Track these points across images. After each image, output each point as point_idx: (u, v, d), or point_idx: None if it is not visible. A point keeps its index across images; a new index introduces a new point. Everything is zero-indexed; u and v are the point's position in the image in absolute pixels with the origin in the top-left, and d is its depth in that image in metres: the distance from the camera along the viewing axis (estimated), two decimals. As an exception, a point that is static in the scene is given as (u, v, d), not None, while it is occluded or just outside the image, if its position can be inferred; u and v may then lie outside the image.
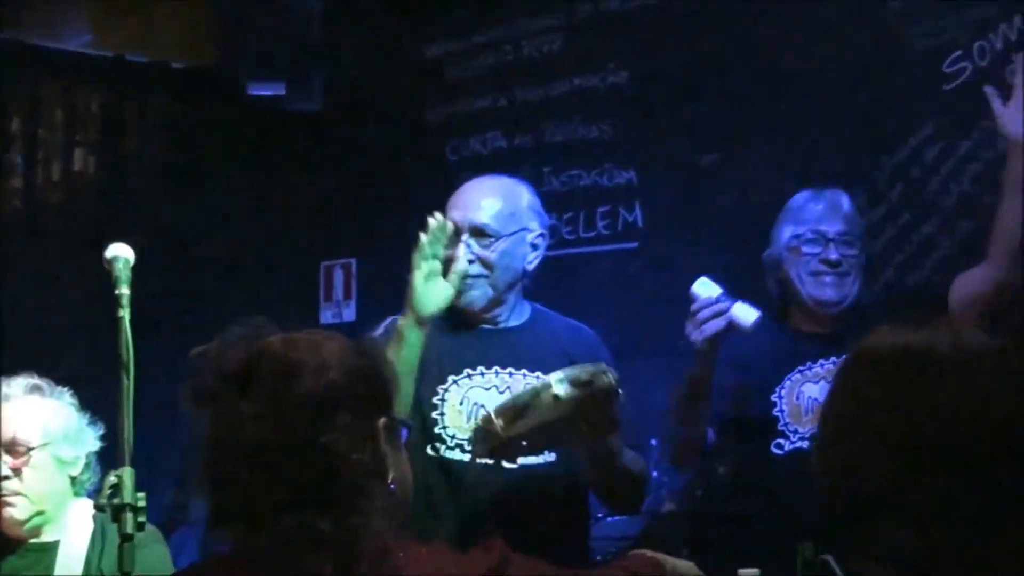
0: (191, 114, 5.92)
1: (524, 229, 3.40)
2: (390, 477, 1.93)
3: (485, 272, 3.35)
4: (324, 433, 1.84)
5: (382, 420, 1.94)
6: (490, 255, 3.34)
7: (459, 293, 3.33)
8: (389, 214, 5.73)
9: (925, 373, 1.55)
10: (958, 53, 4.24)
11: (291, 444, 1.83)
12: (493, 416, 2.96)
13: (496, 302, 3.39)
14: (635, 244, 5.03)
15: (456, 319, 3.40)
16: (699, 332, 3.35)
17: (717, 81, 4.82)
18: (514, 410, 2.96)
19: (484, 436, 2.98)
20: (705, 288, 3.37)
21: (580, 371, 2.99)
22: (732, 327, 3.36)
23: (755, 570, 2.71)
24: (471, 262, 3.33)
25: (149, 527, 3.12)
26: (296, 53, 5.55)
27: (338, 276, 5.87)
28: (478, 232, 3.35)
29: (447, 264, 3.30)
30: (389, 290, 5.42)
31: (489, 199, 3.39)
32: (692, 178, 4.87)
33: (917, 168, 4.33)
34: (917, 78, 4.35)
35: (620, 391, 2.99)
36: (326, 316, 5.84)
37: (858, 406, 1.58)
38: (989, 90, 3.37)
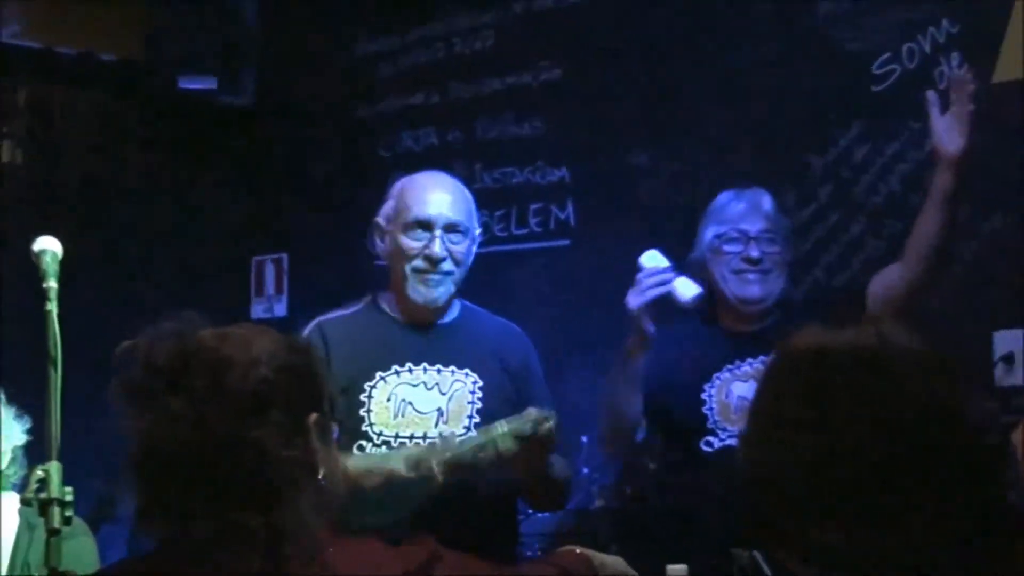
0: (121, 107, 5.86)
1: (475, 228, 3.43)
2: (321, 473, 1.92)
3: (454, 269, 3.35)
4: (254, 429, 1.82)
5: (313, 416, 1.93)
6: (461, 251, 3.35)
7: (424, 288, 3.33)
8: (321, 209, 5.71)
9: (850, 372, 1.56)
10: (887, 55, 4.29)
11: (220, 440, 1.81)
12: (435, 466, 3.01)
13: (451, 299, 3.40)
14: (567, 242, 5.04)
15: (391, 318, 3.40)
16: (640, 297, 3.43)
17: (649, 80, 4.84)
18: (456, 464, 3.03)
19: (422, 480, 3.03)
20: (652, 260, 3.48)
21: (523, 423, 3.05)
22: (672, 299, 3.47)
23: (683, 566, 2.73)
24: (444, 259, 3.33)
25: (76, 519, 3.09)
26: (228, 47, 5.53)
27: (269, 271, 5.85)
28: (452, 228, 3.35)
29: (410, 256, 3.31)
30: (321, 285, 5.43)
31: (457, 196, 3.40)
32: (624, 176, 4.89)
33: (846, 168, 4.37)
34: (847, 79, 4.39)
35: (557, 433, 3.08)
36: (257, 311, 5.82)
37: (784, 404, 1.59)
38: (931, 96, 3.41)
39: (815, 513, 1.53)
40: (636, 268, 3.50)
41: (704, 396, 3.62)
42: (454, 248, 3.34)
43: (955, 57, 4.13)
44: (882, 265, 4.08)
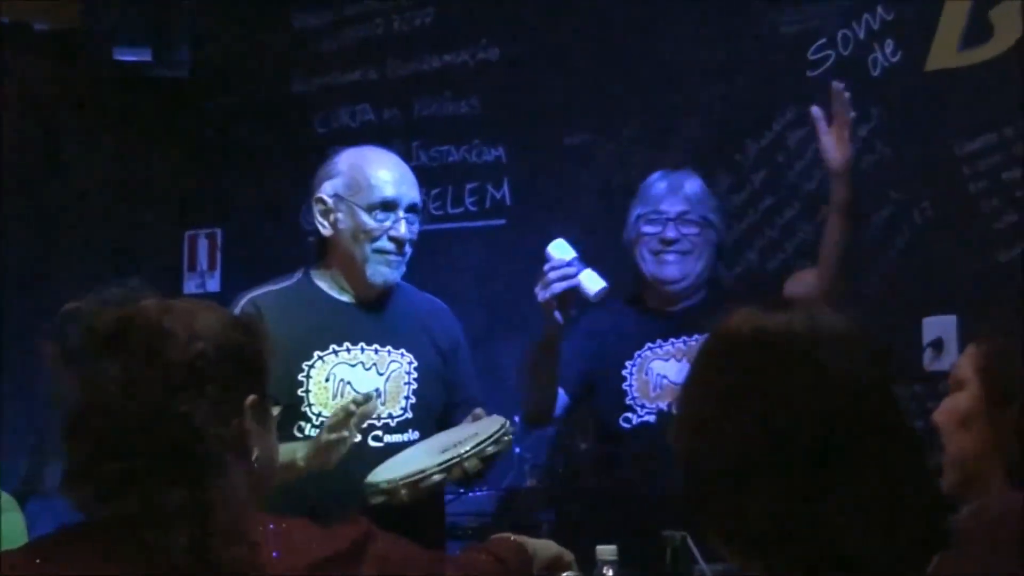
0: (54, 77, 5.79)
1: None
2: (254, 454, 1.91)
3: (409, 250, 3.36)
4: (184, 403, 1.81)
5: (251, 398, 1.91)
6: (415, 232, 3.36)
7: (386, 268, 3.32)
8: (256, 185, 5.68)
9: (781, 354, 1.57)
10: (823, 41, 4.31)
11: (149, 411, 1.80)
12: (400, 486, 3.00)
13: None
14: (503, 221, 5.04)
15: (323, 294, 3.39)
16: (545, 291, 3.43)
17: (587, 61, 4.84)
18: (422, 483, 3.03)
19: (388, 500, 3.03)
20: (559, 250, 3.45)
21: (486, 443, 3.06)
22: (577, 293, 3.45)
23: (612, 547, 2.75)
24: (408, 240, 3.33)
25: (4, 495, 3.07)
26: (163, 19, 5.47)
27: (202, 246, 5.80)
28: (412, 209, 3.35)
29: (373, 237, 3.29)
30: (254, 261, 5.39)
31: (411, 175, 3.40)
32: (560, 157, 4.89)
33: (781, 153, 4.40)
34: (782, 64, 4.41)
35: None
36: (190, 286, 5.78)
37: (714, 385, 1.60)
38: (815, 112, 3.51)
39: (741, 495, 1.54)
40: (546, 254, 3.47)
41: (624, 373, 3.68)
42: (413, 229, 3.35)
43: (889, 44, 4.17)
44: (814, 249, 4.12)
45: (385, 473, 3.08)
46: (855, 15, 4.24)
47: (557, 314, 3.45)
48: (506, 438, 3.09)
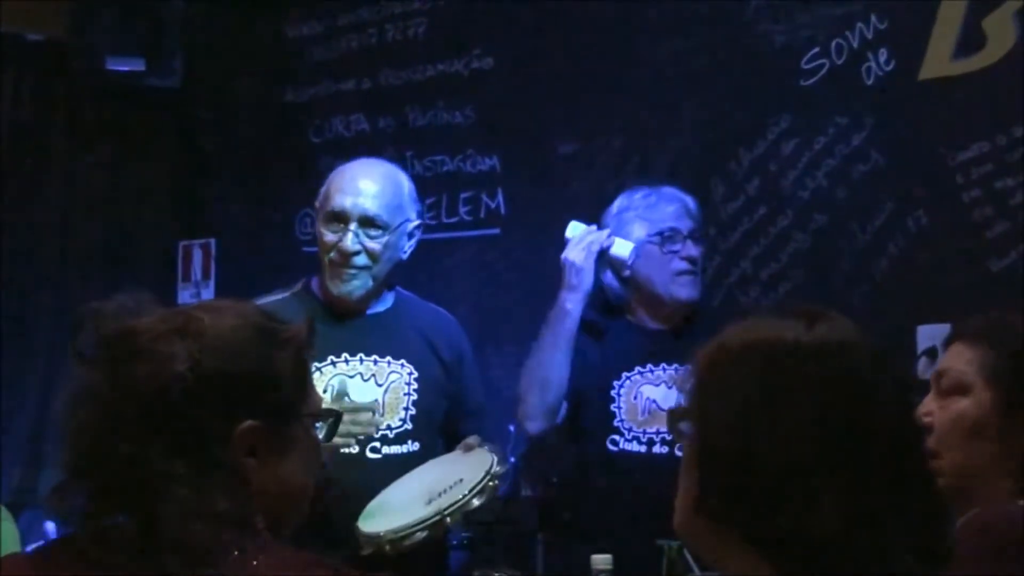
0: (46, 87, 5.79)
1: (407, 220, 3.39)
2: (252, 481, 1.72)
3: (369, 263, 3.32)
4: (134, 435, 1.67)
5: (244, 424, 1.73)
6: (377, 247, 3.32)
7: (339, 281, 3.31)
8: (250, 195, 5.68)
9: (790, 360, 1.56)
10: (816, 50, 4.32)
11: (104, 433, 1.69)
12: (384, 540, 3.01)
13: (373, 293, 3.38)
14: (497, 231, 5.04)
15: (322, 305, 3.38)
16: (582, 252, 3.46)
17: (580, 70, 4.84)
18: (406, 539, 3.04)
19: (372, 551, 3.03)
20: (577, 229, 3.52)
21: (471, 495, 3.05)
22: (609, 257, 3.50)
23: (607, 556, 2.75)
24: (357, 253, 3.31)
25: (-2, 508, 3.06)
26: (155, 28, 5.47)
27: (197, 256, 5.80)
28: (368, 222, 3.32)
29: (328, 248, 3.29)
30: (248, 271, 5.39)
31: (380, 188, 3.36)
32: (554, 166, 4.89)
33: (774, 162, 4.40)
34: (776, 73, 4.41)
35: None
36: (184, 296, 5.77)
37: (732, 395, 1.59)
38: None
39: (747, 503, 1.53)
40: (566, 239, 3.53)
41: (613, 393, 3.63)
42: (369, 243, 3.31)
43: (883, 53, 4.17)
44: (807, 258, 4.12)
45: (372, 524, 3.08)
46: (849, 24, 4.24)
47: (590, 276, 3.47)
48: (492, 483, 3.07)
